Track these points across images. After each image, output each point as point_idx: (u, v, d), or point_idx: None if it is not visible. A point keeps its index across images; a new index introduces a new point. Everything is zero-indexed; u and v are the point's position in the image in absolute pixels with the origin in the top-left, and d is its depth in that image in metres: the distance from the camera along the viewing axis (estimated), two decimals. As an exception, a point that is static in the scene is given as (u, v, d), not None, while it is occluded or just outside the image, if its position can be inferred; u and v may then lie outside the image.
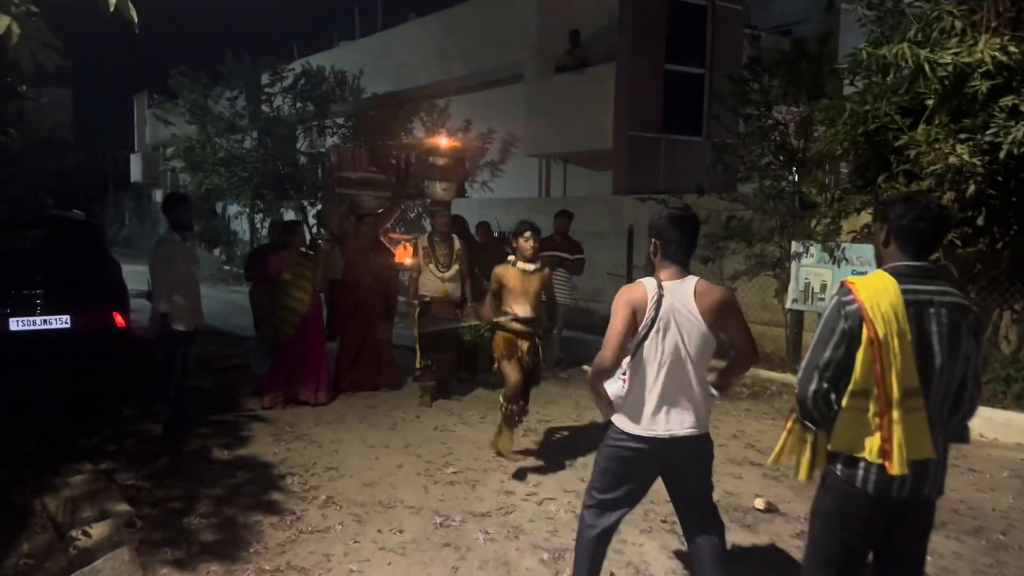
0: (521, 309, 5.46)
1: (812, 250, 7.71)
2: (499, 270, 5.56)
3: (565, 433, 6.34)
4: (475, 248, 8.15)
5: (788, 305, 7.94)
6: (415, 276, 7.09)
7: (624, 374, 3.07)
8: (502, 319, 5.52)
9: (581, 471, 5.43)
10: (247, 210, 18.60)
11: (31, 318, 7.73)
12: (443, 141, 7.43)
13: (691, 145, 11.82)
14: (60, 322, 7.90)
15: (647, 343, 3.01)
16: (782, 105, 8.36)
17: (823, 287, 7.61)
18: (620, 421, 3.14)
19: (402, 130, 15.65)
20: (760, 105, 7.95)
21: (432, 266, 7.01)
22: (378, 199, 7.69)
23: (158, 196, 26.80)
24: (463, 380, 7.88)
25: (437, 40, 15.09)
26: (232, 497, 4.85)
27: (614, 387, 3.08)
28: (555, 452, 5.80)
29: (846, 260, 7.43)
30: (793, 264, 7.87)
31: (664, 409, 3.04)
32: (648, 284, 3.04)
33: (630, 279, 10.01)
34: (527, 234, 5.41)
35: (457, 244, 7.20)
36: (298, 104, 16.73)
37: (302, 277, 6.85)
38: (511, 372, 5.51)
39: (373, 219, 7.44)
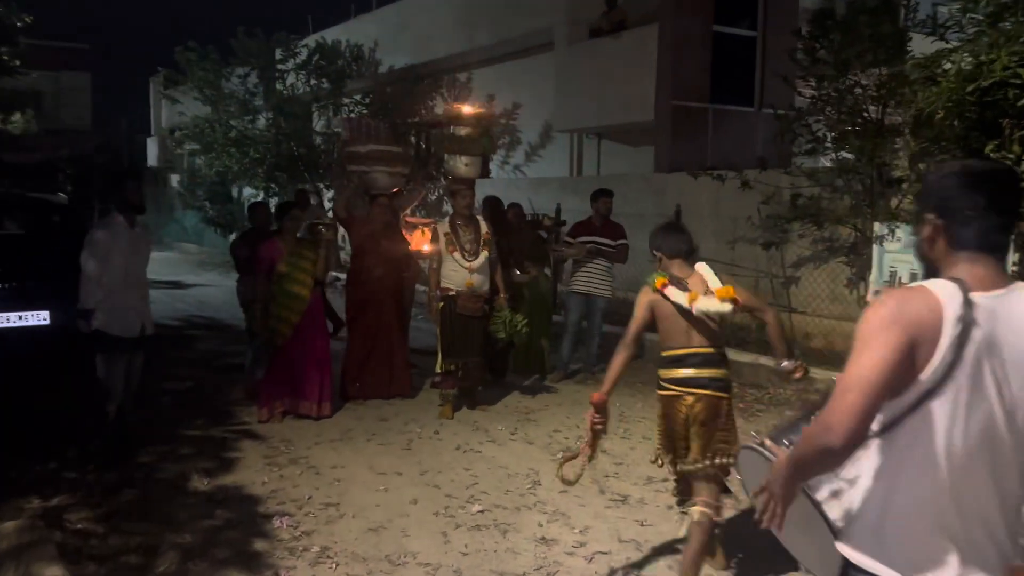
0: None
1: (899, 233, 6.54)
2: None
3: (610, 455, 5.27)
4: (509, 233, 7.10)
5: (870, 297, 6.78)
6: (435, 267, 6.07)
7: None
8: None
9: (637, 510, 4.38)
10: (262, 193, 17.69)
11: (3, 314, 6.81)
12: (465, 108, 6.35)
13: (742, 116, 10.62)
14: (37, 319, 6.97)
15: (934, 409, 1.61)
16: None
17: (912, 276, 6.44)
18: (865, 562, 1.71)
19: (422, 107, 14.60)
20: (834, 66, 6.74)
21: (457, 254, 5.98)
22: (393, 176, 6.63)
23: (174, 181, 25.99)
24: (487, 383, 6.86)
25: (459, 7, 13.96)
26: (205, 547, 3.88)
27: (835, 487, 1.74)
28: (599, 481, 4.75)
29: (942, 245, 6.26)
30: (875, 249, 6.71)
31: (957, 556, 1.63)
32: (944, 293, 1.63)
33: (677, 267, 8.89)
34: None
35: (484, 228, 6.15)
36: (312, 81, 15.74)
37: (300, 268, 5.85)
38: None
39: (387, 199, 6.40)
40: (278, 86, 16.05)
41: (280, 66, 15.91)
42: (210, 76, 15.64)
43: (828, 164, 7.95)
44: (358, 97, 15.63)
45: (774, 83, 10.57)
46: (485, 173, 6.92)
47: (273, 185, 16.52)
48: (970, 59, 5.51)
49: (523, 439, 5.58)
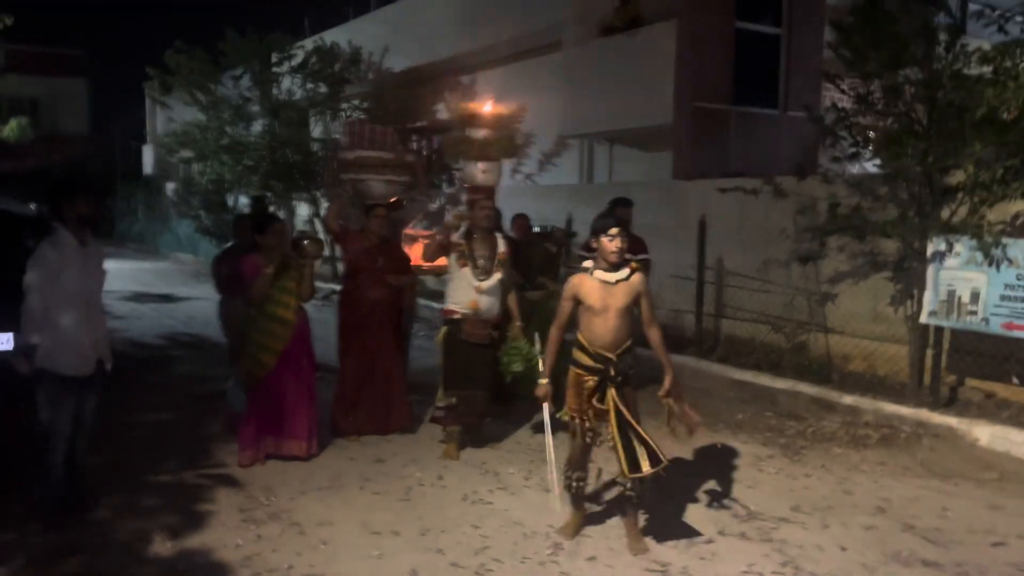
0: (600, 335, 3.84)
1: (958, 247, 5.83)
2: (575, 281, 3.87)
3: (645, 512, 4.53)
4: (513, 247, 6.40)
5: (924, 318, 6.07)
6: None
7: None
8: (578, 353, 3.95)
9: (681, 560, 3.65)
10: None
11: (-39, 338, 6.09)
12: (485, 107, 5.63)
13: (766, 119, 9.93)
14: (1, 342, 6.27)
15: None
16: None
17: (974, 296, 5.73)
18: None
19: (424, 111, 13.92)
20: (883, 60, 6.02)
21: (467, 270, 5.28)
22: (390, 185, 5.92)
23: (170, 189, 25.32)
24: (495, 415, 6.13)
25: (461, 5, 13.28)
26: (156, 639, 3.16)
27: None
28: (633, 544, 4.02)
29: (1009, 261, 5.55)
30: (931, 266, 5.99)
31: None
32: None
33: (701, 282, 8.18)
34: (612, 231, 3.82)
35: (501, 245, 5.45)
36: (309, 85, 15.08)
37: (284, 289, 5.14)
38: (572, 435, 3.90)
39: (384, 211, 5.68)
40: (273, 90, 15.42)
41: (276, 69, 15.27)
42: (200, 79, 14.96)
43: (862, 171, 7.24)
44: (356, 102, 14.99)
45: (800, 83, 9.94)
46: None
47: (269, 194, 15.85)
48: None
49: (539, 485, 4.86)
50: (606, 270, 3.85)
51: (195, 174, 17.16)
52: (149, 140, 30.98)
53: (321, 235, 5.91)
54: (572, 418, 3.96)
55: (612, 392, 3.83)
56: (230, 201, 18.82)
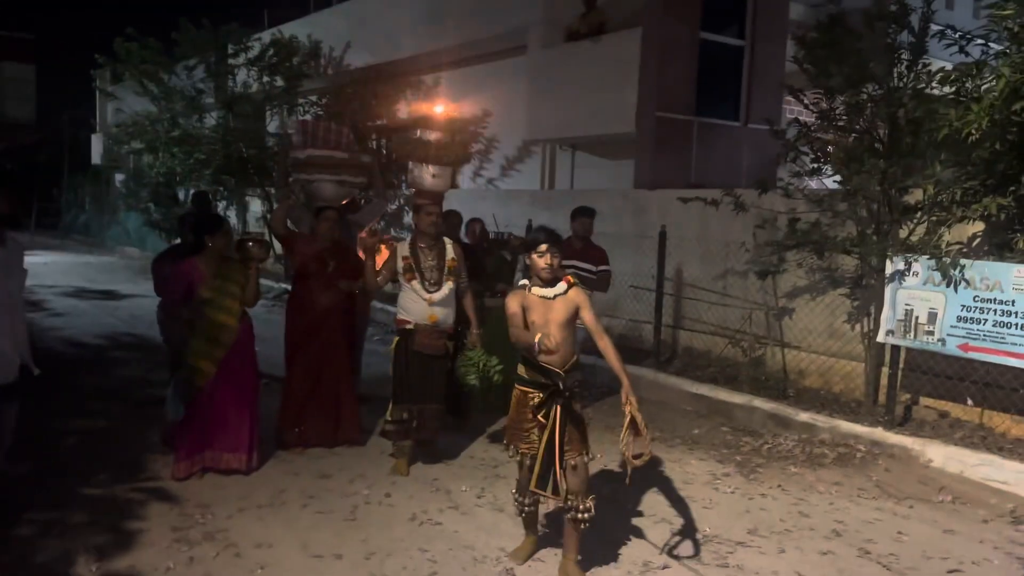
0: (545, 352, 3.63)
1: (916, 267, 5.83)
2: (514, 300, 3.73)
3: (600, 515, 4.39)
4: (465, 253, 6.22)
5: (881, 337, 6.06)
6: (379, 280, 5.15)
7: None
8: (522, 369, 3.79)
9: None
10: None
11: None
12: (437, 109, 5.45)
13: (727, 131, 9.91)
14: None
15: None
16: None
17: (932, 317, 5.73)
18: None
19: (384, 110, 13.67)
20: (848, 77, 5.99)
21: (416, 283, 5.06)
22: (343, 186, 5.69)
23: (119, 181, 24.53)
24: (449, 427, 5.96)
25: (425, 3, 13.05)
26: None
27: None
28: (590, 556, 3.89)
29: (967, 282, 5.56)
30: (889, 285, 5.98)
31: None
32: None
33: (660, 293, 8.10)
34: (542, 248, 3.72)
35: (451, 253, 5.25)
36: (265, 78, 14.69)
37: (226, 293, 4.89)
38: (513, 458, 3.80)
39: (334, 213, 5.46)
40: (229, 83, 15.00)
41: (231, 60, 14.87)
42: (151, 68, 14.48)
43: (821, 187, 7.23)
44: (314, 98, 14.66)
45: (761, 96, 9.96)
46: (452, 184, 6.02)
47: (221, 189, 15.42)
48: (1014, 75, 4.81)
49: (492, 504, 4.69)
50: (542, 285, 3.75)
51: (144, 166, 16.61)
52: (99, 129, 30.03)
53: (267, 237, 5.62)
54: (512, 444, 3.82)
55: (557, 409, 3.67)
56: (181, 195, 18.31)
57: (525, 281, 3.84)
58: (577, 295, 3.75)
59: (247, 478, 4.94)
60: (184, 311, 4.93)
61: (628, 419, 3.52)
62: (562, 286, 3.75)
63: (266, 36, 15.24)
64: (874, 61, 6.09)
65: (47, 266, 17.98)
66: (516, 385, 3.81)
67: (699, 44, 9.62)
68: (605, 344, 3.74)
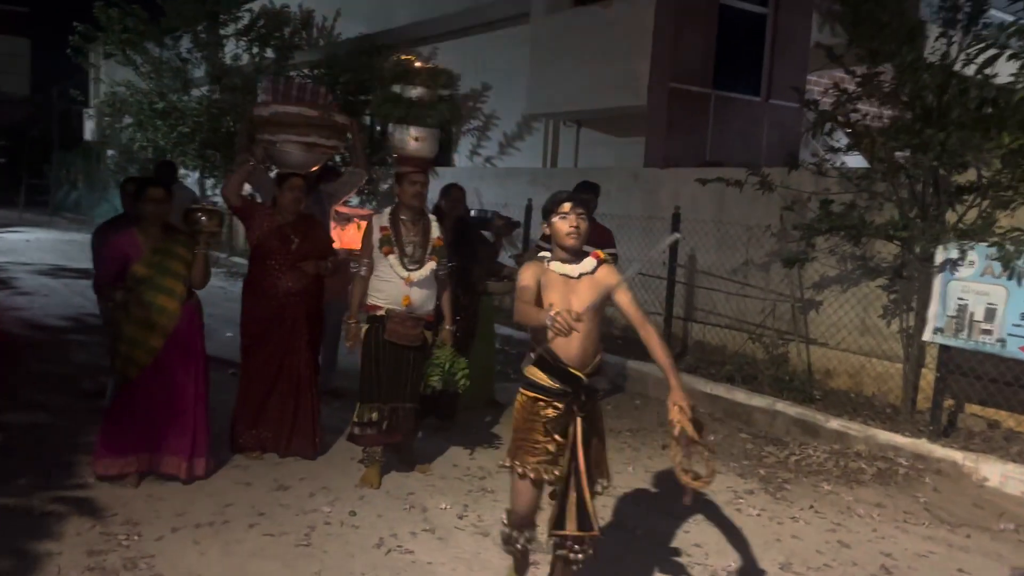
0: (563, 347, 2.87)
1: (972, 255, 5.06)
2: (530, 271, 2.92)
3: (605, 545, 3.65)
4: (467, 233, 5.49)
5: (928, 336, 5.30)
6: (363, 273, 4.42)
7: None
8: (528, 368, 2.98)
9: None
10: (196, 173, 15.81)
11: None
12: (417, 63, 4.67)
13: (747, 106, 9.12)
14: None
15: None
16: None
17: (990, 313, 4.96)
18: None
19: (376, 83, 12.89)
20: (902, 33, 5.19)
21: (393, 258, 4.33)
22: (314, 150, 4.93)
23: (111, 156, 23.79)
24: (430, 429, 5.24)
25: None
26: None
27: None
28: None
29: (1031, 274, 4.79)
30: (938, 277, 5.21)
31: None
32: None
33: (672, 280, 7.34)
34: (565, 207, 2.90)
35: (436, 231, 4.51)
36: (255, 50, 13.94)
37: (168, 272, 4.15)
38: (519, 482, 2.95)
39: (300, 181, 4.69)
40: (219, 55, 14.27)
41: (221, 31, 14.12)
42: (134, 38, 13.71)
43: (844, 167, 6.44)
44: (306, 70, 13.90)
45: (785, 69, 9.16)
46: (446, 160, 5.24)
47: (208, 164, 14.70)
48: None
49: (474, 526, 3.96)
50: (565, 260, 2.92)
51: (128, 140, 15.91)
52: (92, 105, 29.26)
53: (221, 208, 4.85)
54: (515, 462, 2.96)
55: (579, 424, 2.92)
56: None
57: (546, 253, 3.00)
58: (608, 274, 2.92)
59: (189, 488, 4.21)
60: (117, 292, 4.19)
61: (678, 430, 2.70)
62: (590, 262, 2.92)
63: (256, 6, 14.49)
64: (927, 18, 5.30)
65: (29, 243, 17.34)
66: (521, 390, 2.99)
67: (718, 10, 8.82)
68: (649, 335, 2.93)
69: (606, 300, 2.92)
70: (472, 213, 6.06)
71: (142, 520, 3.83)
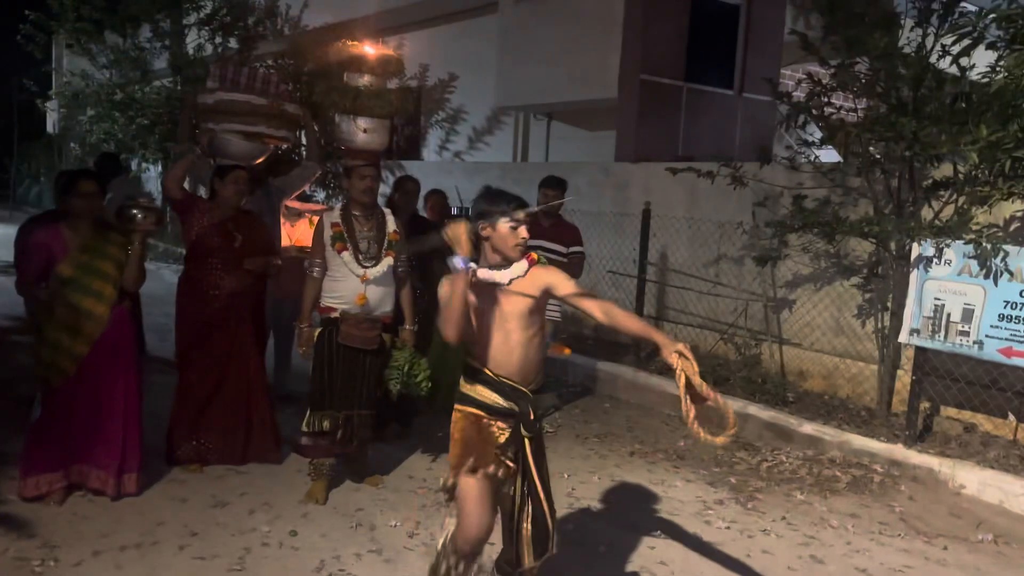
0: (503, 360, 2.63)
1: (948, 253, 4.88)
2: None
3: (563, 564, 3.40)
4: (422, 229, 5.21)
5: (904, 337, 5.11)
6: (316, 275, 4.13)
7: None
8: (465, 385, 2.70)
9: None
10: (159, 166, 15.37)
11: None
12: (369, 49, 4.39)
13: (720, 99, 8.92)
14: None
15: None
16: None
17: (967, 314, 4.78)
18: None
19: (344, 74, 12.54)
20: (878, 23, 4.99)
21: (347, 255, 4.05)
22: (261, 141, 4.63)
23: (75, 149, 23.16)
24: (389, 434, 4.97)
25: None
26: None
27: None
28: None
29: (1010, 273, 4.62)
30: (914, 274, 5.03)
31: None
32: None
33: (643, 279, 7.12)
34: (519, 214, 2.64)
35: (391, 225, 4.24)
36: (218, 40, 13.54)
37: (94, 272, 3.83)
38: (473, 501, 2.64)
39: (244, 173, 4.38)
40: (182, 46, 13.85)
41: (183, 20, 13.71)
42: (88, 27, 13.24)
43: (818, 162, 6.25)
44: (270, 61, 13.52)
45: (758, 62, 8.97)
46: (389, 149, 4.96)
47: (169, 157, 14.28)
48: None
49: (426, 546, 3.69)
50: (495, 266, 2.65)
51: (84, 133, 15.45)
52: (52, 96, 28.54)
53: (158, 202, 4.54)
54: (463, 471, 2.68)
55: (528, 448, 2.67)
56: (134, 164, 17.11)
57: (472, 264, 2.63)
58: (541, 274, 2.64)
59: (118, 506, 3.90)
60: (41, 291, 3.87)
61: (683, 381, 2.36)
62: (520, 267, 2.65)
63: (219, -6, 14.06)
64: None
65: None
66: (458, 406, 2.72)
67: (691, 1, 8.60)
68: (609, 310, 2.57)
69: (543, 304, 2.66)
70: (452, 211, 5.81)
71: (62, 542, 3.52)
